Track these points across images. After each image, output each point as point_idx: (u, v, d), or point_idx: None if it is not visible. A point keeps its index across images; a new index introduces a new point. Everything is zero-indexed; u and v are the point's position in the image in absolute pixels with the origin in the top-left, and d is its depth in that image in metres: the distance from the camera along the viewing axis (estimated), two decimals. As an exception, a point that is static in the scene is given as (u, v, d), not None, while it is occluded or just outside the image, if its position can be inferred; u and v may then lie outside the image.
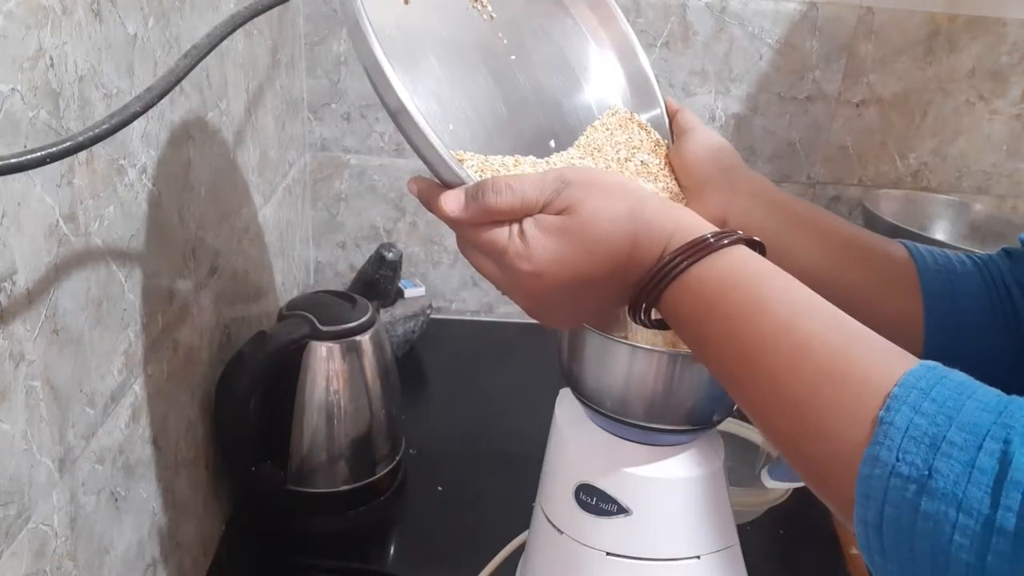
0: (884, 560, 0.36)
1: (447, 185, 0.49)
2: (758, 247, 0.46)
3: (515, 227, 0.47)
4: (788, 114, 1.23)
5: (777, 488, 0.80)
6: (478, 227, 0.48)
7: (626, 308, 0.48)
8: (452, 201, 0.48)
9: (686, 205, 0.58)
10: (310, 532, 0.86)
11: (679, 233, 0.45)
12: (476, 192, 0.47)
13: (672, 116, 0.65)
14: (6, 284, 0.44)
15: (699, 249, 0.44)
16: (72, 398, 0.52)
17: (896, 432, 0.35)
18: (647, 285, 0.45)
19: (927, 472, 0.34)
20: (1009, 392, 0.46)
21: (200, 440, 0.77)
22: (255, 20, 0.53)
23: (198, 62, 0.48)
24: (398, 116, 0.47)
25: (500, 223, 0.47)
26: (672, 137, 0.63)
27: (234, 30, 0.50)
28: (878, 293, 0.56)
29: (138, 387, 0.62)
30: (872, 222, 1.17)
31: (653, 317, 0.48)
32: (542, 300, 0.48)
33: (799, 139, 1.25)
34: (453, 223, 0.49)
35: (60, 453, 0.51)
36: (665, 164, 0.61)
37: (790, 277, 0.43)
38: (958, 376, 0.36)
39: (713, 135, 0.62)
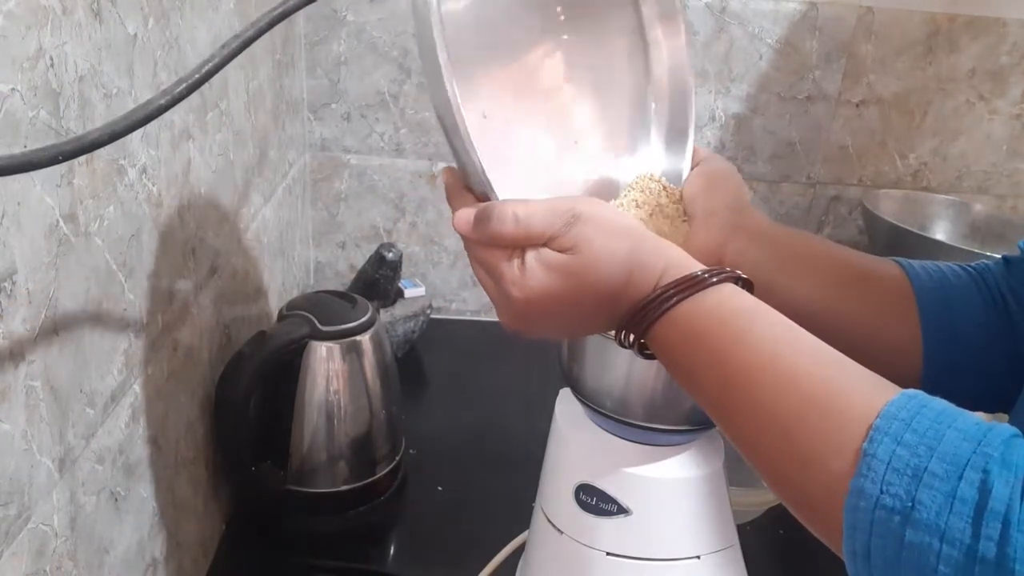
0: None
1: (471, 189, 0.51)
2: (746, 284, 0.47)
3: (516, 258, 0.48)
4: (788, 114, 1.24)
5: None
6: (482, 247, 0.49)
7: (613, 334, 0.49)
8: (462, 220, 0.50)
9: (689, 234, 0.58)
10: (310, 532, 0.86)
11: (671, 270, 0.46)
12: (484, 216, 0.48)
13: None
14: (6, 284, 0.44)
15: (690, 285, 0.45)
16: (72, 398, 0.52)
17: (879, 464, 0.35)
18: (635, 316, 0.46)
19: (910, 504, 0.34)
20: (1007, 403, 0.45)
21: (200, 440, 0.77)
22: (255, 20, 0.52)
23: (238, 53, 0.46)
24: (452, 132, 0.48)
25: (503, 247, 0.48)
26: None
27: (281, 20, 0.48)
28: (876, 316, 0.57)
29: (138, 387, 0.62)
30: (872, 222, 1.17)
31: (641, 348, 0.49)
32: (524, 321, 0.50)
33: (799, 139, 1.25)
34: (461, 237, 0.51)
35: (60, 453, 0.51)
36: (680, 214, 0.60)
37: (775, 312, 0.44)
38: (939, 404, 0.37)
39: (728, 167, 0.61)
